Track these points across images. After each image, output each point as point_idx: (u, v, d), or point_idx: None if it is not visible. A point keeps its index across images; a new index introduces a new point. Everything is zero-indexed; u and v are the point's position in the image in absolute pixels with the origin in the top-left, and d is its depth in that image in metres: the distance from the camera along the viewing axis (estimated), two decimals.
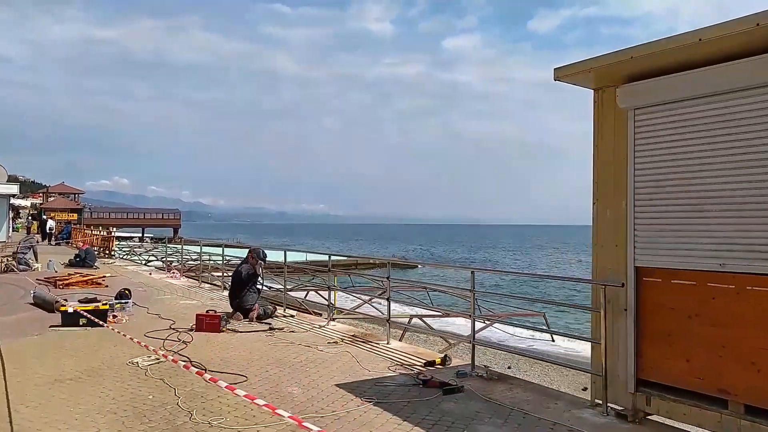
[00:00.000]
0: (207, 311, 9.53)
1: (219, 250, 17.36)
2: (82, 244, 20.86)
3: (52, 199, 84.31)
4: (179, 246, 23.41)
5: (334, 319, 9.97)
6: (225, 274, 14.96)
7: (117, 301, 10.91)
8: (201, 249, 17.30)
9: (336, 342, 8.32)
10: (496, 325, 14.16)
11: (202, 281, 15.94)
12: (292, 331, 9.16)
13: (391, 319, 8.88)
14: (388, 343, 8.28)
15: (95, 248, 25.04)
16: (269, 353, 7.67)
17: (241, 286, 10.22)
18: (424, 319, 12.84)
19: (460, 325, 17.22)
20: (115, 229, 29.91)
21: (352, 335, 8.90)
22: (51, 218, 46.17)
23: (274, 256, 12.65)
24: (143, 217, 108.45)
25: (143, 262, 26.10)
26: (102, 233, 28.23)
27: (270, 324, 9.56)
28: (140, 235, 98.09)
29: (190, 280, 17.21)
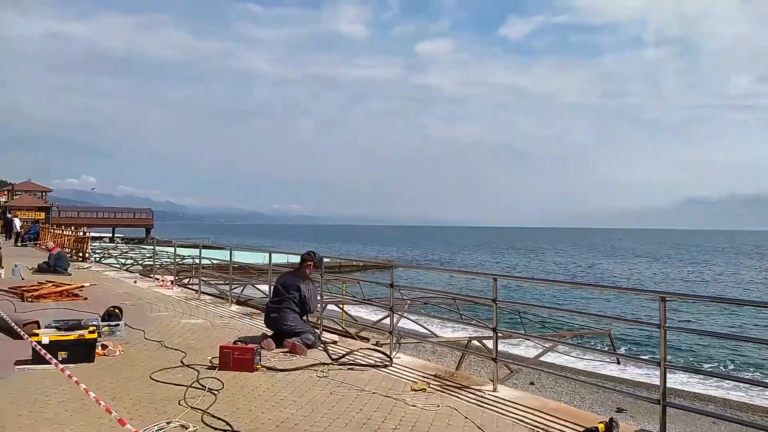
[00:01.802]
0: (236, 342, 7.09)
1: (219, 254, 14.86)
2: (52, 246, 18.09)
3: (17, 196, 79.86)
4: (165, 248, 20.69)
5: (398, 343, 7.62)
6: (235, 284, 12.55)
7: (105, 324, 8.43)
8: (200, 252, 14.67)
9: (423, 388, 6.00)
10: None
11: (202, 292, 13.40)
12: (351, 368, 6.82)
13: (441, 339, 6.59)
14: (495, 390, 5.99)
15: (67, 250, 22.18)
16: (341, 410, 5.32)
17: (287, 301, 7.84)
18: (483, 341, 10.55)
19: (509, 344, 15.07)
20: (88, 229, 26.93)
21: (435, 375, 6.59)
22: (16, 217, 42.80)
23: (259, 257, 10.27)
24: (114, 217, 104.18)
25: (123, 266, 23.32)
26: (75, 234, 25.27)
27: (323, 355, 7.19)
28: (110, 235, 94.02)
29: (185, 289, 14.68)
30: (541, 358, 11.36)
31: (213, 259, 18.38)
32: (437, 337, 10.41)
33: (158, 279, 15.95)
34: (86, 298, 12.28)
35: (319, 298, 8.45)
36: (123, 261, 26.63)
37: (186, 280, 18.51)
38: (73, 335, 6.91)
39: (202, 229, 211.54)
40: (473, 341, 9.77)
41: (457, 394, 5.87)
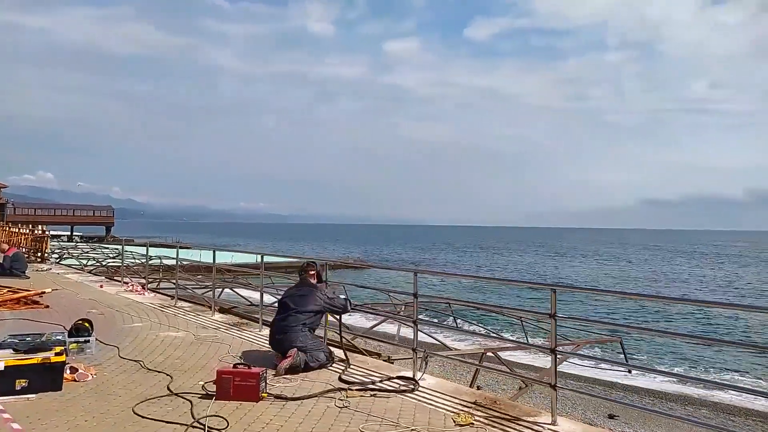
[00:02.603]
0: (235, 365, 5.95)
1: (191, 254, 13.60)
2: (7, 247, 16.48)
3: None
4: (131, 248, 19.18)
5: (425, 362, 6.60)
6: (219, 290, 11.34)
7: (72, 340, 7.20)
8: (178, 253, 13.26)
9: (469, 422, 5.00)
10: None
11: (179, 298, 12.13)
12: (374, 394, 5.77)
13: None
14: (554, 423, 5.03)
15: (24, 251, 20.45)
16: None
17: (294, 316, 6.76)
18: (498, 352, 9.59)
19: (519, 355, 14.18)
20: (46, 227, 25.08)
21: (474, 402, 5.60)
22: None
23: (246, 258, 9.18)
24: (73, 214, 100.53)
25: (85, 267, 21.67)
26: (32, 232, 23.41)
27: (335, 376, 6.13)
28: (69, 233, 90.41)
29: (159, 295, 13.36)
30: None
31: (186, 260, 17.05)
32: (454, 350, 9.42)
33: (127, 283, 14.56)
34: (48, 306, 10.91)
35: (343, 296, 7.40)
36: (85, 261, 24.95)
37: (156, 284, 17.17)
38: (35, 359, 5.69)
39: (164, 228, 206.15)
40: (488, 353, 8.81)
41: (509, 429, 4.90)
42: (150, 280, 18.48)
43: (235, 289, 15.69)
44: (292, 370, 6.44)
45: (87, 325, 7.50)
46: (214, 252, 10.97)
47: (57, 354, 5.80)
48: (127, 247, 20.75)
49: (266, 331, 8.95)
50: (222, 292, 15.88)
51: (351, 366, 6.80)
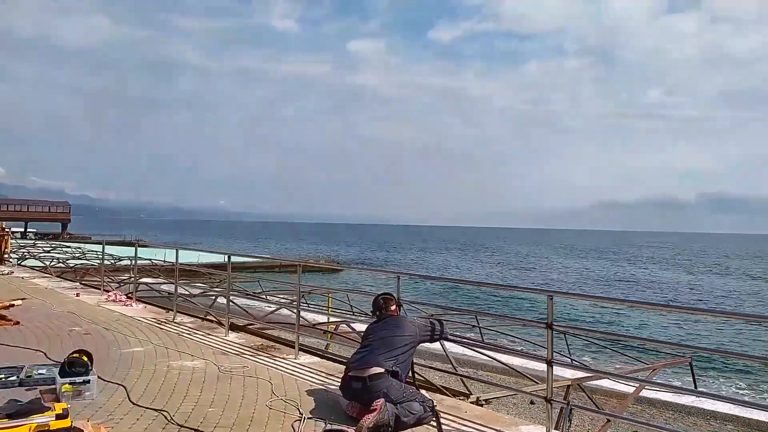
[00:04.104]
0: None
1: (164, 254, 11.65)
2: None
3: None
4: (93, 247, 16.92)
5: (569, 412, 5.00)
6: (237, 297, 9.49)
7: (68, 381, 5.34)
8: (177, 255, 10.96)
9: None
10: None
11: (178, 311, 10.18)
12: None
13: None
14: None
15: None
16: None
17: (376, 355, 5.05)
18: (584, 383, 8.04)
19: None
20: (5, 224, 22.47)
21: None
22: None
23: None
24: (27, 210, 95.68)
25: (49, 268, 19.27)
26: None
27: None
28: (22, 230, 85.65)
29: (149, 306, 11.38)
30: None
31: (185, 265, 15.04)
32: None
33: (109, 291, 12.49)
34: (18, 323, 8.88)
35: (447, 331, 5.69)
36: (48, 262, 22.50)
37: (128, 291, 14.99)
38: (26, 427, 3.85)
39: (122, 225, 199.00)
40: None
41: None
42: (121, 282, 16.40)
43: (233, 299, 13.76)
44: (378, 428, 4.75)
45: (85, 358, 5.62)
46: (229, 257, 9.07)
47: (59, 417, 3.97)
48: (89, 246, 18.52)
49: (306, 358, 7.25)
50: (215, 300, 13.98)
51: (443, 416, 5.12)
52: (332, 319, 15.16)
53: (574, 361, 9.52)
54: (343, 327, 11.43)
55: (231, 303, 13.57)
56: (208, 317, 10.27)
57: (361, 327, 12.91)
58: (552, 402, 4.50)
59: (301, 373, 6.60)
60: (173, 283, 10.32)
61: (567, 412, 5.24)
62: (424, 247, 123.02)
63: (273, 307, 14.39)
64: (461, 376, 6.44)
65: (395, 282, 6.12)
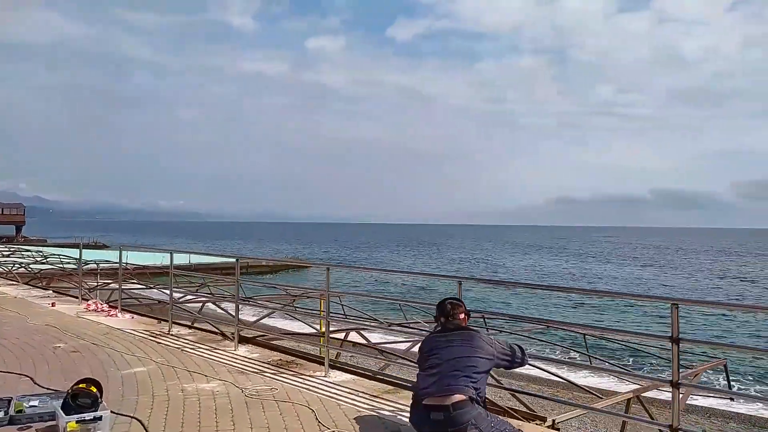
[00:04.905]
0: None
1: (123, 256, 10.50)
2: None
3: None
4: (50, 250, 15.53)
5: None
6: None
7: (74, 418, 4.36)
8: (172, 258, 9.71)
9: None
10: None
11: (174, 321, 9.10)
12: None
13: None
14: None
15: None
16: None
17: (453, 377, 4.20)
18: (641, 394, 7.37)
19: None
20: None
21: None
22: None
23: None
24: None
25: (11, 274, 17.74)
26: None
27: None
28: None
29: (136, 316, 10.27)
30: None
31: (180, 270, 13.87)
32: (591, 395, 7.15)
33: (88, 301, 11.30)
34: None
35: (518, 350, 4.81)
36: (9, 267, 20.87)
37: (104, 297, 13.77)
38: None
39: (78, 227, 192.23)
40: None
41: None
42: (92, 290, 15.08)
43: (221, 306, 12.70)
44: None
45: (94, 389, 4.63)
46: (238, 260, 8.07)
47: None
48: (50, 249, 17.13)
49: (337, 375, 6.38)
50: (204, 306, 12.90)
51: None
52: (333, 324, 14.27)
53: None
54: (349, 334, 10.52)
55: (221, 310, 12.54)
56: (206, 327, 9.26)
57: (374, 336, 12.07)
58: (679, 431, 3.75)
59: (340, 395, 5.73)
60: (156, 289, 9.26)
61: None
62: (361, 243, 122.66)
63: (264, 312, 13.42)
64: (528, 394, 5.65)
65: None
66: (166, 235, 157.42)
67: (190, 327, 9.26)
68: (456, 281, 5.31)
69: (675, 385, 4.09)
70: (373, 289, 37.20)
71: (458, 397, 4.11)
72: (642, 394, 6.85)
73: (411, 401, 4.43)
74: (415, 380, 4.60)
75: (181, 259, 26.42)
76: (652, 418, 7.07)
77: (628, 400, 6.52)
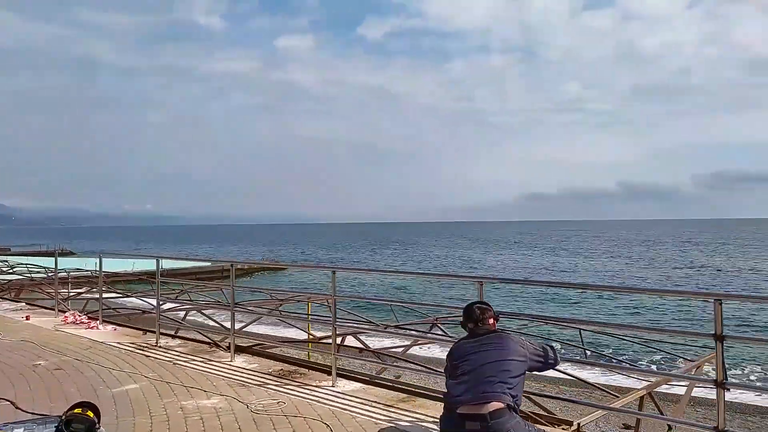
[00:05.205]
0: None
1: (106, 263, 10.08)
2: None
3: None
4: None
5: None
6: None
7: None
8: (158, 265, 9.23)
9: None
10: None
11: (161, 332, 8.61)
12: None
13: None
14: None
15: None
16: None
17: (490, 383, 3.91)
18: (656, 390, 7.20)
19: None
20: None
21: None
22: None
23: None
24: None
25: None
26: None
27: None
28: None
29: (119, 328, 9.74)
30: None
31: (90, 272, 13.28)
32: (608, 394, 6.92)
33: (64, 312, 10.70)
34: None
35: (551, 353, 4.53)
36: None
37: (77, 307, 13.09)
38: None
39: (42, 234, 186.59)
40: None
41: None
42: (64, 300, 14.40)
43: (203, 312, 12.20)
44: None
45: (91, 414, 4.21)
46: (233, 265, 7.64)
47: None
48: (35, 260, 16.38)
49: (345, 385, 6.05)
50: (187, 314, 12.39)
51: None
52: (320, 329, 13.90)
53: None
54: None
55: (213, 321, 12.06)
56: (195, 337, 8.82)
57: (372, 340, 11.75)
58: None
59: (353, 406, 5.40)
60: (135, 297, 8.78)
61: None
62: (332, 244, 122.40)
63: (260, 319, 13.00)
64: (548, 397, 5.41)
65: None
66: (133, 240, 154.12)
67: (179, 338, 8.78)
68: (476, 282, 5.02)
69: (720, 384, 3.89)
70: (357, 291, 36.70)
71: (496, 405, 3.83)
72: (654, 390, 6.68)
73: (442, 410, 4.14)
74: (430, 387, 4.33)
75: (147, 265, 25.61)
76: (662, 413, 6.91)
77: (642, 397, 6.34)
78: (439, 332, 10.01)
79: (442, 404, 5.13)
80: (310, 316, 14.63)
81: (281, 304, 13.73)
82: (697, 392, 11.65)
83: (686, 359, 10.09)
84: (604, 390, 7.28)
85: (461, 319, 4.53)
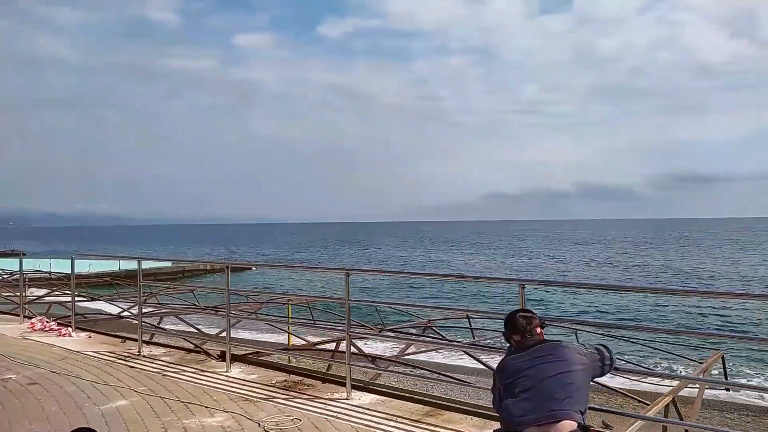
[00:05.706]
0: None
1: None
2: None
3: None
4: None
5: None
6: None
7: None
8: (140, 266, 8.51)
9: None
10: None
11: (144, 341, 7.92)
12: None
13: None
14: None
15: None
16: None
17: (557, 400, 3.48)
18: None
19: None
20: None
21: None
22: None
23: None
24: None
25: None
26: None
27: None
28: None
29: (94, 335, 8.98)
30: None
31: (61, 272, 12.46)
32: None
33: (31, 318, 9.84)
34: None
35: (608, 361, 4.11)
36: None
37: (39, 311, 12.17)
38: None
39: None
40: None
41: None
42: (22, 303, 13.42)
43: (181, 317, 11.45)
44: None
45: None
46: (228, 267, 7.03)
47: None
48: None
49: (361, 396, 5.57)
50: (161, 319, 11.64)
51: None
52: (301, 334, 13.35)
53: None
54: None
55: (201, 329, 11.37)
56: (179, 345, 8.17)
57: (367, 347, 11.22)
58: None
59: (376, 422, 4.91)
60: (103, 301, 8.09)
61: None
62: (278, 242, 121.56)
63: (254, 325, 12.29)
64: (601, 411, 5.02)
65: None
66: (88, 240, 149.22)
67: (163, 345, 8.12)
68: (517, 284, 4.60)
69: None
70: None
71: (568, 425, 3.41)
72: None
73: (500, 430, 3.70)
74: (454, 398, 3.89)
75: (82, 266, 24.51)
76: (681, 418, 6.66)
77: (666, 405, 6.05)
78: (436, 336, 9.61)
79: (476, 419, 4.70)
80: (289, 319, 14.02)
81: (261, 308, 13.08)
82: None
83: (691, 360, 9.95)
84: (630, 396, 7.00)
85: (503, 330, 4.10)
